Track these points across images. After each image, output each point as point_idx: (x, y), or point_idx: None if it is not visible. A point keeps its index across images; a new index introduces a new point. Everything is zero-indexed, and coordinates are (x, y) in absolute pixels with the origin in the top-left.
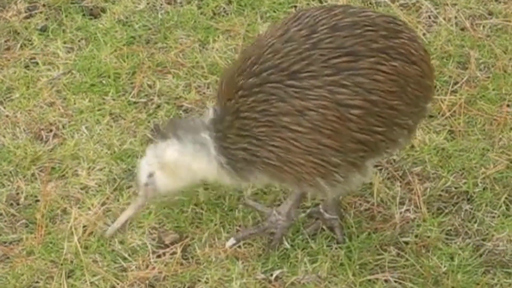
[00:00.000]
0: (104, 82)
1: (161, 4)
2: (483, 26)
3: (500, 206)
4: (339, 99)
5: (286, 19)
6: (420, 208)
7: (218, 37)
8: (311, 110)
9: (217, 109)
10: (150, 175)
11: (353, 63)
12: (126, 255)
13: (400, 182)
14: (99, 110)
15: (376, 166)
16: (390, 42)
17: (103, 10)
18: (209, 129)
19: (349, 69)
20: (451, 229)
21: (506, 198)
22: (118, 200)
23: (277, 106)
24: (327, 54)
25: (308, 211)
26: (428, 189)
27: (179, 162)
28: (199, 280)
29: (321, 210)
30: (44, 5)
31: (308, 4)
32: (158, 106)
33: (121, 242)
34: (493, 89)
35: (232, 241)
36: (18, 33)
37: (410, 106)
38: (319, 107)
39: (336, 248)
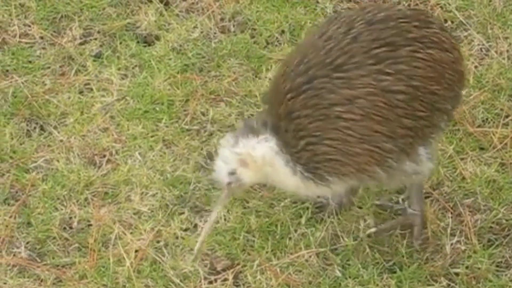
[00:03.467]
0: (157, 109)
1: (215, 33)
2: None
3: None
4: (385, 86)
5: (321, 24)
6: (471, 239)
7: (271, 66)
8: (360, 98)
9: (268, 121)
10: (232, 173)
11: (392, 52)
12: (178, 281)
13: (451, 213)
14: (152, 136)
15: (427, 197)
16: (423, 31)
17: (157, 38)
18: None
19: (390, 57)
20: (501, 261)
21: None
22: (170, 226)
23: (327, 98)
24: (367, 45)
25: (394, 206)
26: (479, 221)
27: (270, 160)
28: None
29: (406, 206)
30: (99, 32)
31: None
32: (211, 134)
33: (173, 268)
34: None
35: (373, 229)
36: (73, 59)
37: (447, 91)
38: (367, 95)
39: (387, 278)
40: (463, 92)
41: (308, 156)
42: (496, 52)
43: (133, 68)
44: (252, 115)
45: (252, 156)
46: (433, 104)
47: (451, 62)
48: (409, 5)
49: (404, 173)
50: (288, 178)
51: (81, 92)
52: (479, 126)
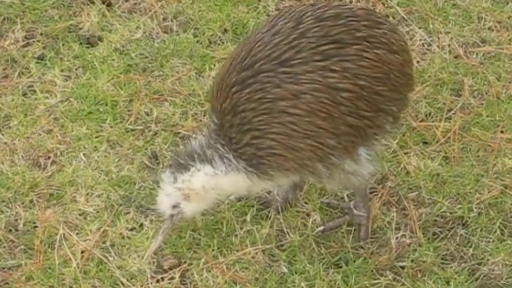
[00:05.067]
0: (101, 109)
1: (158, 33)
2: (477, 54)
3: (495, 231)
4: (330, 83)
5: (270, 18)
6: (416, 233)
7: (214, 65)
8: (306, 94)
9: (214, 117)
10: (175, 206)
11: (340, 50)
12: (125, 280)
13: (396, 207)
14: (96, 137)
15: (372, 192)
16: (372, 31)
17: (100, 39)
18: (218, 140)
19: (337, 55)
20: (446, 254)
21: (500, 223)
22: (116, 226)
23: (273, 93)
24: (315, 41)
25: (340, 204)
26: (424, 215)
27: (211, 185)
28: None
29: (351, 206)
30: (41, 34)
31: None
32: (155, 133)
33: (120, 268)
34: (487, 116)
35: (321, 228)
36: (16, 62)
37: (393, 92)
38: (312, 90)
39: (333, 273)
40: (411, 95)
41: (252, 152)
42: (438, 46)
43: (76, 69)
44: (196, 114)
45: (193, 189)
46: (378, 104)
47: (399, 64)
48: (350, 1)
49: (343, 172)
50: (234, 181)
51: (24, 94)
52: (422, 121)
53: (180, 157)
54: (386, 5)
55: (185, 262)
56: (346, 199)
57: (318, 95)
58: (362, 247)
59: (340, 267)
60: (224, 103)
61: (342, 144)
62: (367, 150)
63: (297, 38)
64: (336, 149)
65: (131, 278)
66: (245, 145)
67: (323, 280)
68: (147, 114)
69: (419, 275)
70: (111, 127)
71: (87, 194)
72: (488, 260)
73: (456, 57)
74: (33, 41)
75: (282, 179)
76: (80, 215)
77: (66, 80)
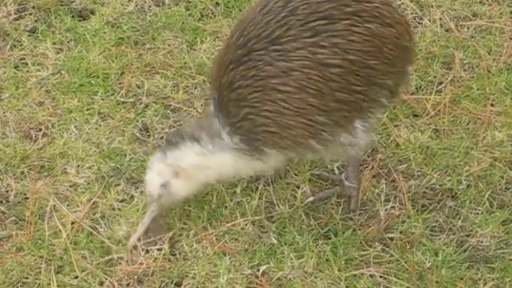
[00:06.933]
0: (93, 82)
1: (150, 6)
2: (468, 27)
3: (484, 203)
4: (320, 59)
5: None
6: (405, 205)
7: (206, 38)
8: (295, 70)
9: (215, 95)
10: (164, 185)
11: (329, 25)
12: (114, 252)
13: (386, 179)
14: (88, 109)
15: (362, 164)
16: (362, 6)
17: (92, 12)
18: (216, 115)
19: (326, 31)
20: (435, 226)
21: (489, 195)
22: (106, 197)
23: (265, 70)
24: (304, 19)
25: (330, 176)
26: (413, 187)
27: (200, 164)
28: (186, 276)
29: (342, 178)
30: (33, 7)
31: None
32: (146, 106)
33: (109, 238)
34: (477, 89)
35: (311, 198)
36: (8, 34)
37: (387, 66)
38: (302, 67)
39: (322, 244)
40: (409, 69)
41: (248, 127)
42: (429, 20)
43: (68, 42)
44: (187, 86)
45: (182, 168)
46: (370, 78)
47: (394, 37)
48: None
49: (341, 145)
50: (221, 162)
51: (16, 67)
52: (412, 94)
53: (170, 136)
54: None
55: (174, 233)
56: (336, 171)
57: (308, 72)
58: (351, 219)
59: (329, 238)
60: (222, 79)
61: (333, 120)
62: (362, 122)
63: (286, 16)
64: (326, 125)
65: (118, 244)
66: (242, 119)
67: (312, 251)
68: (138, 87)
69: (408, 247)
70: (102, 99)
71: (78, 166)
72: (476, 232)
73: (447, 30)
74: (25, 14)
75: (278, 158)
76: (70, 186)
77: (58, 53)
